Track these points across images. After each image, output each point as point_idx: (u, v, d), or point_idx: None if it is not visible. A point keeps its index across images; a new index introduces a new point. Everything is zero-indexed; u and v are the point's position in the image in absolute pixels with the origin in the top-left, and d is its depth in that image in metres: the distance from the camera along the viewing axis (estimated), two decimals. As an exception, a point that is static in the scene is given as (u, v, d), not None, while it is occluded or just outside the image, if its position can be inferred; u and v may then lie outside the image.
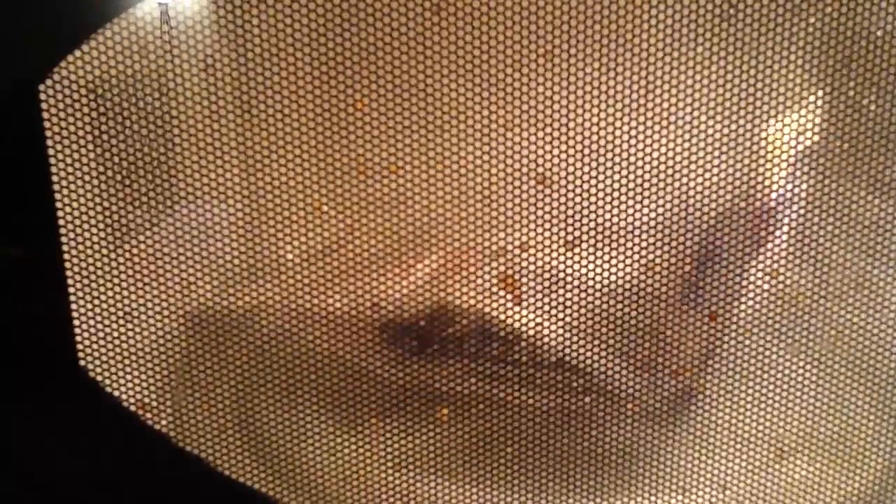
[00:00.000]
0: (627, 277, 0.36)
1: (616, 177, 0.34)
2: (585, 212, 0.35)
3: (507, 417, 0.39)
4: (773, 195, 0.36)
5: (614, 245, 0.35)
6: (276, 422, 0.39)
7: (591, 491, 0.40)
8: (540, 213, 0.35)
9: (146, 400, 0.38)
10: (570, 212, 0.35)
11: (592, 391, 0.39)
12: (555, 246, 0.35)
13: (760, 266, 0.37)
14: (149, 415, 0.38)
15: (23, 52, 0.31)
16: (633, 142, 0.34)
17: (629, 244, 0.35)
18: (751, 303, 0.37)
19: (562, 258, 0.36)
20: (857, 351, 0.39)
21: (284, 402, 0.39)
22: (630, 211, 0.35)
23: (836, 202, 0.35)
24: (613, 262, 0.36)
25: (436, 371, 0.38)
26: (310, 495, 0.40)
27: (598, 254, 0.36)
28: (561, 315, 0.37)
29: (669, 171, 0.34)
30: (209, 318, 0.37)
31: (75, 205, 0.33)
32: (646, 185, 0.34)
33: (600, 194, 0.34)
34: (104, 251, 0.34)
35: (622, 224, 0.35)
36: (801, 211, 0.36)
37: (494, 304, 0.37)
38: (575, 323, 0.37)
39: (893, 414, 0.40)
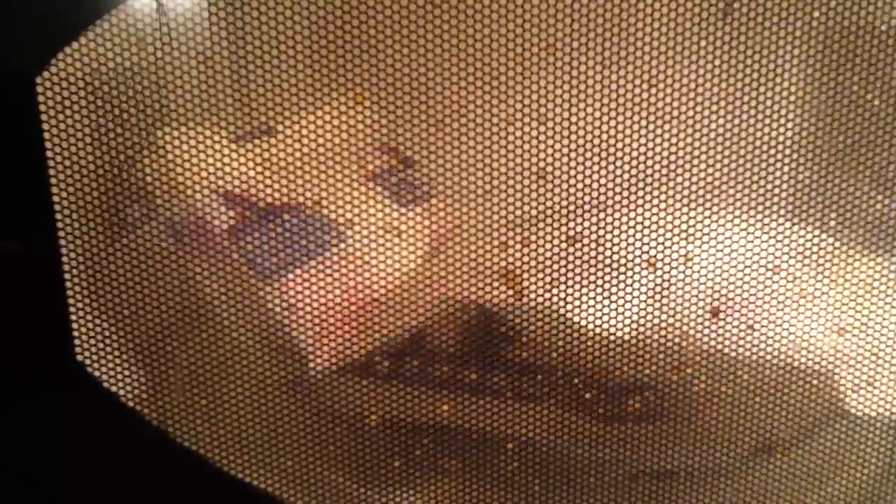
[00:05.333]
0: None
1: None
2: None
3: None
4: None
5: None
6: (275, 417, 0.39)
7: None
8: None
9: (144, 396, 0.37)
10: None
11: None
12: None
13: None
14: (147, 411, 0.38)
15: (20, 43, 0.31)
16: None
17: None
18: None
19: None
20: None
21: (284, 397, 0.39)
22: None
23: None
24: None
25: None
26: (311, 493, 0.40)
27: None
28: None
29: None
30: (208, 313, 0.37)
31: (72, 198, 0.33)
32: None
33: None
34: (102, 245, 0.34)
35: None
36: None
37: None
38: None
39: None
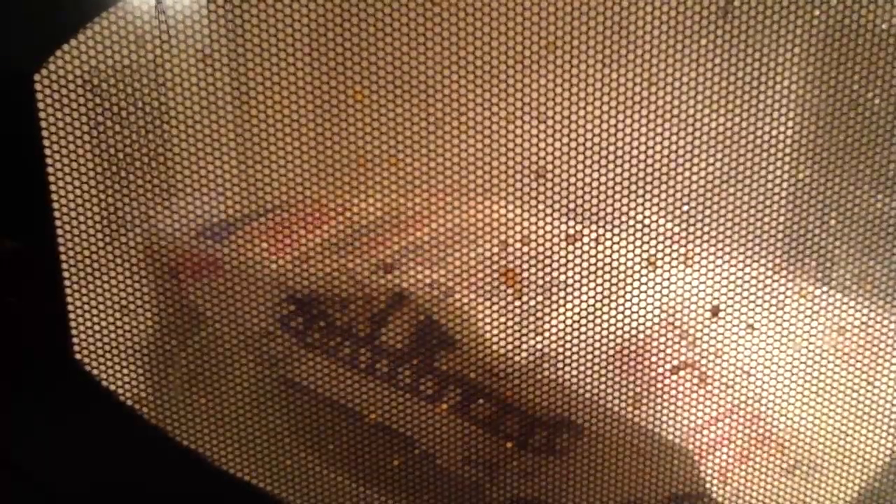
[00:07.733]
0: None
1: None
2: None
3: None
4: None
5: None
6: (275, 416, 0.39)
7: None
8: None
9: (144, 396, 0.37)
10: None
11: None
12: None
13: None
14: (145, 409, 0.37)
15: (18, 42, 0.31)
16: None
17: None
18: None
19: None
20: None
21: (284, 396, 0.39)
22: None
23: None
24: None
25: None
26: (311, 493, 0.40)
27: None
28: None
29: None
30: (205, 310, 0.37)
31: (71, 196, 0.33)
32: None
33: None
34: (101, 244, 0.34)
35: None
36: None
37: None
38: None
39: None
